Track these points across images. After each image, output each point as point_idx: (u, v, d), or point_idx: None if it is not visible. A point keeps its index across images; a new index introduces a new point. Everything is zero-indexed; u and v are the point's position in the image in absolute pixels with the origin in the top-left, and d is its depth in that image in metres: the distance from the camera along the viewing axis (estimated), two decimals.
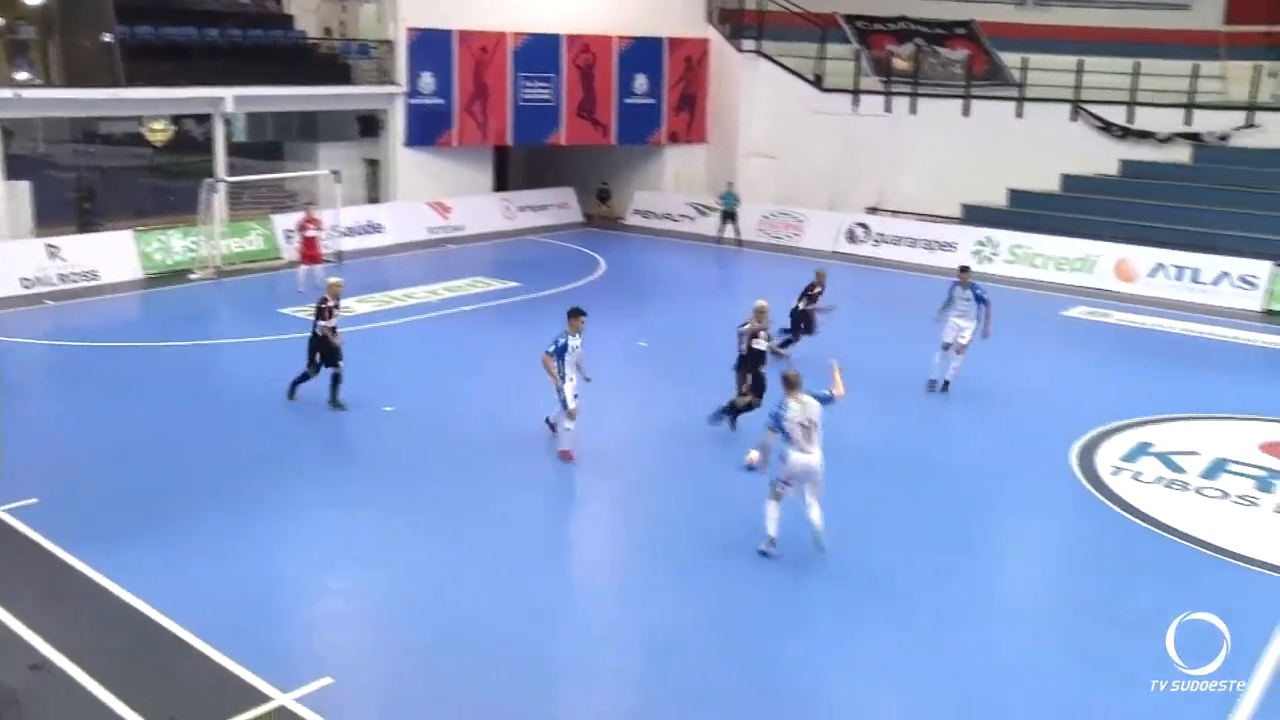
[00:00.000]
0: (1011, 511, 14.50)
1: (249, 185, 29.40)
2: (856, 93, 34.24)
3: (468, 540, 12.79)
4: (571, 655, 10.64)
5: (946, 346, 18.26)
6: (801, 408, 11.96)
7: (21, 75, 27.32)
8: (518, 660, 10.34)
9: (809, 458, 11.94)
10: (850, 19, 35.72)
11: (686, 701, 9.77)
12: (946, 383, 18.22)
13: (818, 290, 19.93)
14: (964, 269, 18.97)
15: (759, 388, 16.17)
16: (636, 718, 9.72)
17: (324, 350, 16.93)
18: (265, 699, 9.51)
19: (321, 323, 16.89)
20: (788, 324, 19.67)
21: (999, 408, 17.00)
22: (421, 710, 9.62)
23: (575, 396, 14.84)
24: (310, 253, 25.32)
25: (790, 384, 12.09)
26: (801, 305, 19.89)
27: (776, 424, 12.03)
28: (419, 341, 21.13)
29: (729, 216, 32.18)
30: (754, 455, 13.80)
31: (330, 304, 17.12)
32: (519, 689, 9.90)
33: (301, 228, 25.68)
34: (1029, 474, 15.45)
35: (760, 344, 16.24)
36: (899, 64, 34.80)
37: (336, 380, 16.86)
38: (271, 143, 34.12)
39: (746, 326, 16.21)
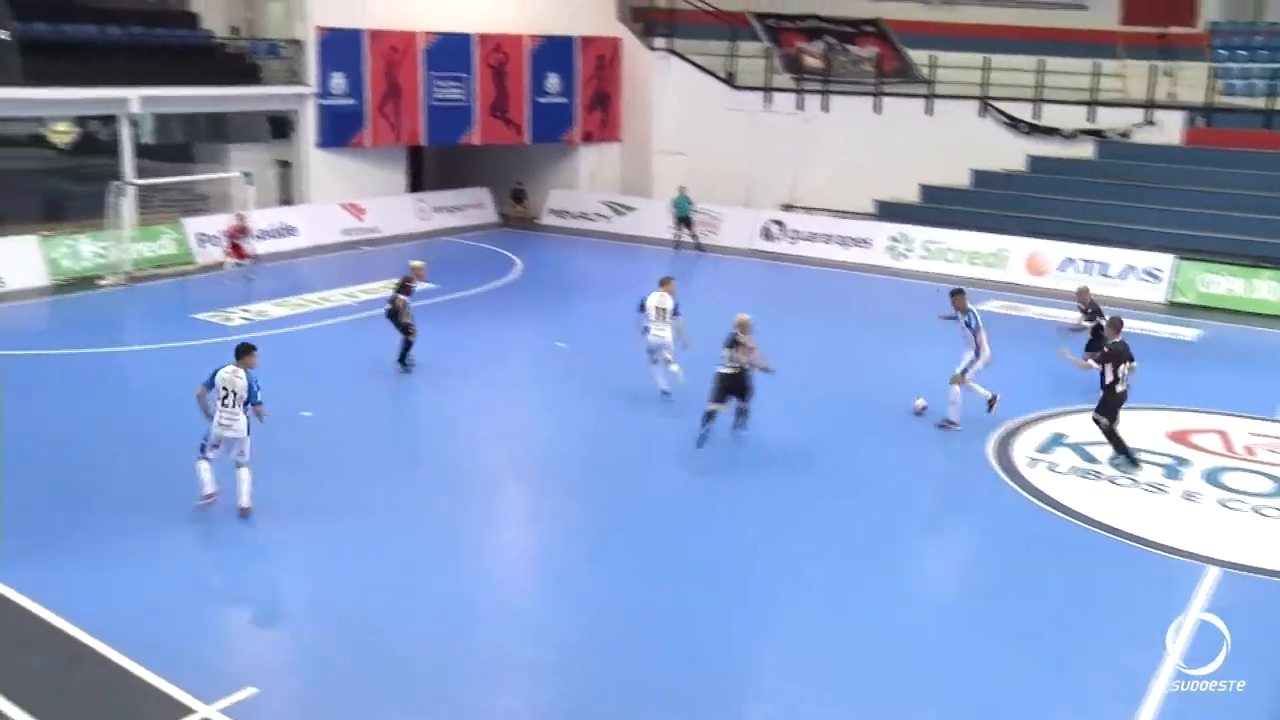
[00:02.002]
0: (930, 504, 14.74)
1: (159, 188, 28.95)
2: (768, 90, 34.56)
3: (390, 545, 12.69)
4: (498, 654, 10.56)
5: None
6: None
7: None
8: (442, 665, 10.29)
9: None
10: (761, 17, 36.00)
11: (620, 696, 9.77)
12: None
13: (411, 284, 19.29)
14: (957, 292, 16.93)
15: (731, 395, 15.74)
16: (570, 713, 9.72)
17: (398, 321, 18.82)
18: (188, 711, 9.35)
19: (401, 295, 18.81)
20: None
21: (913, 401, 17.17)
22: (348, 718, 9.50)
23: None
24: (237, 253, 25.82)
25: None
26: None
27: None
28: (336, 345, 20.92)
29: (684, 222, 31.93)
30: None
31: (413, 284, 19.09)
32: (443, 693, 9.86)
33: (231, 235, 25.89)
34: (947, 466, 15.72)
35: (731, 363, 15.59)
36: (810, 62, 35.14)
37: (409, 346, 18.82)
38: (180, 144, 33.24)
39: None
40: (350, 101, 31.91)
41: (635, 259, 31.00)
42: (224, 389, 12.94)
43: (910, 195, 31.77)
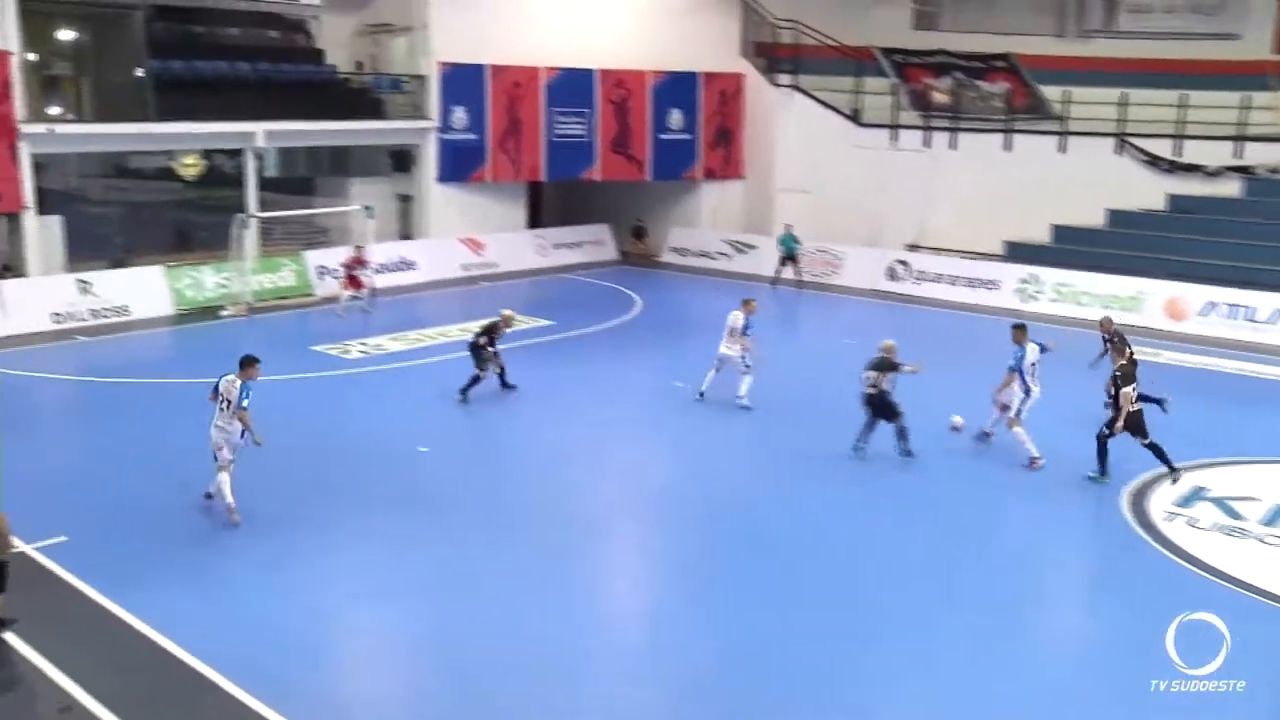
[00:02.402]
0: (1062, 556, 14.27)
1: (281, 220, 29.73)
2: (894, 127, 34.32)
3: (497, 581, 12.73)
4: (607, 697, 10.51)
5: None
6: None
7: (55, 110, 27.66)
8: (549, 708, 10.27)
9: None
10: (887, 52, 35.73)
11: None
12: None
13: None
14: (1018, 327, 17.33)
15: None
16: None
17: (478, 358, 19.60)
18: None
19: (485, 338, 19.66)
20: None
21: (1047, 450, 16.72)
22: None
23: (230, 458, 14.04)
24: (354, 285, 26.40)
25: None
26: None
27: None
28: (453, 380, 20.94)
29: (789, 259, 31.96)
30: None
31: (500, 332, 19.94)
32: None
33: (349, 266, 26.52)
34: (1079, 517, 15.30)
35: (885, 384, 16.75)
36: (938, 98, 34.82)
37: (477, 380, 19.53)
38: (303, 178, 34.30)
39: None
40: (471, 136, 32.36)
41: (756, 298, 30.37)
42: (223, 397, 13.86)
43: (1041, 235, 31.21)
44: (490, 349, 19.83)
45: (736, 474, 16.67)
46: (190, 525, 14.06)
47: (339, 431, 17.74)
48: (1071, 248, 30.31)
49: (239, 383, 13.81)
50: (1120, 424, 15.68)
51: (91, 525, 13.78)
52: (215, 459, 13.94)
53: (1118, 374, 16.00)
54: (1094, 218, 30.81)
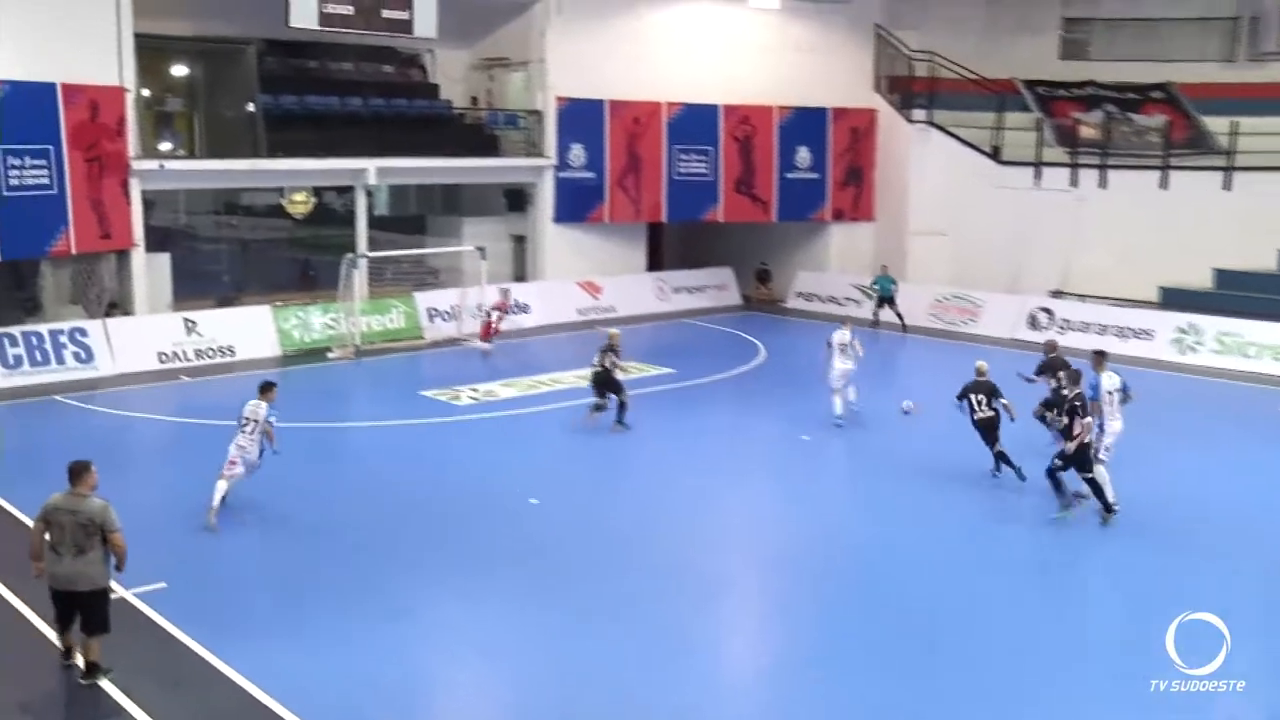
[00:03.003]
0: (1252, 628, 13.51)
1: (391, 261, 30.08)
2: (1038, 165, 33.47)
3: (608, 641, 12.48)
4: None
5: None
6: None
7: (166, 146, 28.38)
8: None
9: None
10: (1031, 85, 35.01)
11: None
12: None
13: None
14: (1099, 354, 17.92)
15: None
16: None
17: (609, 384, 20.63)
18: None
19: (610, 358, 20.59)
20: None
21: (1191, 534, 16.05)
22: None
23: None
24: (485, 331, 27.41)
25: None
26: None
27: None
28: (566, 430, 20.92)
29: (886, 301, 31.81)
30: None
31: (618, 348, 20.92)
32: None
33: (499, 309, 28.00)
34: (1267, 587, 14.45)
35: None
36: (1086, 133, 33.86)
37: (624, 407, 20.57)
38: (415, 216, 34.74)
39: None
40: (589, 175, 32.59)
41: (886, 346, 30.39)
42: (246, 418, 15.59)
43: (1201, 280, 30.24)
44: (618, 368, 20.82)
45: (864, 531, 16.26)
46: (292, 574, 14.10)
47: (449, 481, 17.75)
48: (1237, 293, 29.26)
49: (264, 405, 15.67)
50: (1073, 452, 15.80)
51: (192, 570, 13.87)
52: (222, 471, 15.44)
53: (1076, 403, 15.92)
54: (1263, 260, 29.81)
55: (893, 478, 18.30)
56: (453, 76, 33.94)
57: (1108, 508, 15.94)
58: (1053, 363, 18.60)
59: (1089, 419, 15.92)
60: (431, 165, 30.70)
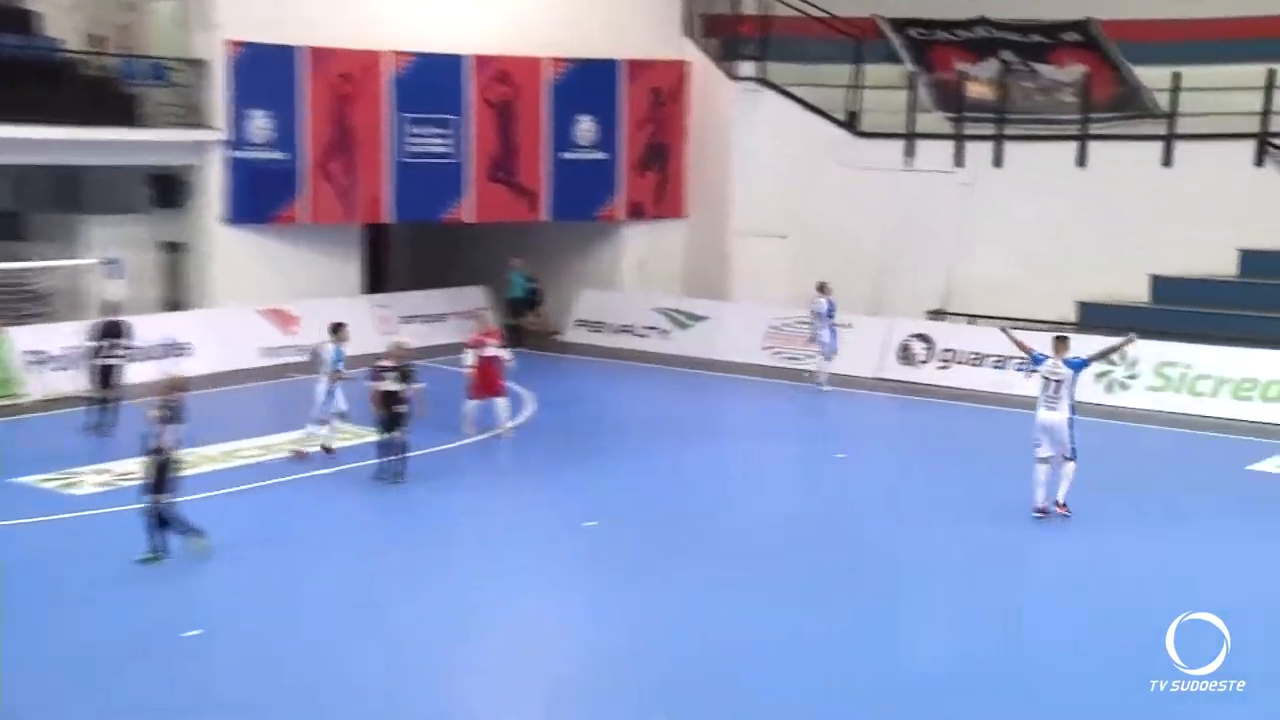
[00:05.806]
0: None
1: None
2: (910, 137, 34.02)
3: None
4: None
5: None
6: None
7: None
8: None
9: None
10: (900, 25, 35.95)
11: None
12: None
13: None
14: (1060, 339, 20.45)
15: None
16: None
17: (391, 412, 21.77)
18: None
19: (369, 383, 21.72)
20: None
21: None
22: None
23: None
24: (486, 380, 25.13)
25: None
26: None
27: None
28: (235, 528, 19.01)
29: (526, 304, 34.43)
30: None
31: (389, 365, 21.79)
32: None
33: (475, 345, 25.51)
34: None
35: None
36: (976, 91, 34.67)
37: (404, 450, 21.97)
38: (7, 213, 32.93)
39: None
40: (277, 155, 31.87)
41: (707, 392, 30.68)
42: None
43: (1134, 292, 30.81)
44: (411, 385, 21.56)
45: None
46: None
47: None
48: (1182, 308, 29.82)
49: (331, 346, 21.86)
50: None
51: None
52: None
53: None
54: (1219, 263, 30.31)
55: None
56: (62, 3, 32.51)
57: None
58: None
59: None
60: (32, 136, 28.50)
